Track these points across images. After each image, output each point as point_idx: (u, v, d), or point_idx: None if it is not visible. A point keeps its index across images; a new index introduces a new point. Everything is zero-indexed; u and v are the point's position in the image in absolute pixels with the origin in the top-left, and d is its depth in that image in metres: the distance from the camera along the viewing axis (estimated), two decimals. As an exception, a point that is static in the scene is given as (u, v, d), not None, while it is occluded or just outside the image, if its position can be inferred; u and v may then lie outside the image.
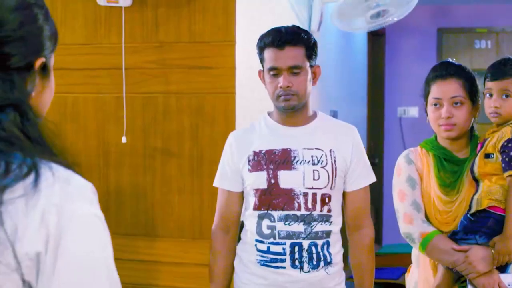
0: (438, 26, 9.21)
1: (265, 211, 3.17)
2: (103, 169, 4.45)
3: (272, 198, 3.16)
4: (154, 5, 4.33)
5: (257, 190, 3.20)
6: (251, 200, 3.23)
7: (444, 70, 3.24)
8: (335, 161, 3.19)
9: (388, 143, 9.18)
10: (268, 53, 3.17)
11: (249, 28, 4.34)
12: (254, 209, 3.21)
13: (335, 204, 3.21)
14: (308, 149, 3.19)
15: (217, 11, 4.21)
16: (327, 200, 3.17)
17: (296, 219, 3.14)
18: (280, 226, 3.14)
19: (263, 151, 3.21)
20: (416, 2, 5.15)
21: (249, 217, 3.25)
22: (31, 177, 1.31)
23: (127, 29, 4.35)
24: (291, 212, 3.14)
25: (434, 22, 9.20)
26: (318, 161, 3.17)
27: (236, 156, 3.27)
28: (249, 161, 3.22)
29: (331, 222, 3.19)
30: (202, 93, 4.24)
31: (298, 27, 3.24)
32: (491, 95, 3.14)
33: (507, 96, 3.10)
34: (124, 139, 4.32)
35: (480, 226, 3.05)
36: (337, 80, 6.86)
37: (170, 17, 4.30)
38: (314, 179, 3.15)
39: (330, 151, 3.20)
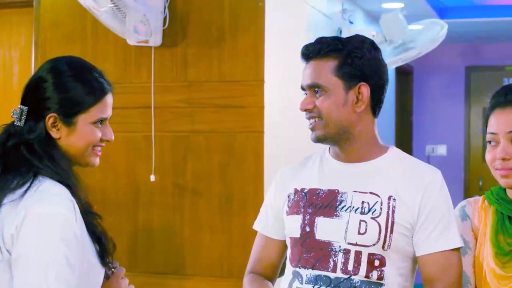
0: (466, 64, 9.21)
1: (295, 268, 2.44)
2: (132, 208, 4.46)
3: (303, 252, 2.42)
4: (183, 44, 4.36)
5: (291, 238, 2.49)
6: (288, 251, 2.54)
7: (503, 96, 2.41)
8: (393, 211, 2.36)
9: (416, 181, 9.13)
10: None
11: (277, 67, 4.37)
12: (290, 263, 2.50)
13: (394, 271, 2.38)
14: (360, 192, 2.40)
15: (246, 51, 4.24)
16: (377, 263, 2.35)
17: (328, 283, 2.35)
18: None
19: (305, 190, 2.48)
20: (441, 41, 5.16)
21: (286, 273, 2.52)
22: (24, 189, 2.06)
23: (156, 68, 4.39)
24: (322, 273, 2.37)
25: (462, 60, 9.21)
26: (369, 210, 2.37)
27: (278, 194, 2.59)
28: (288, 200, 2.52)
29: None
30: (231, 132, 4.26)
31: (349, 36, 2.50)
32: None
33: None
34: (152, 177, 4.34)
35: None
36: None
37: (200, 56, 4.33)
38: (359, 233, 2.35)
39: (390, 198, 2.37)
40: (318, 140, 2.44)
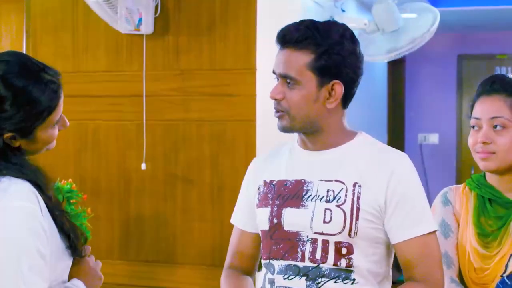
0: (458, 52, 9.20)
1: (267, 260, 2.42)
2: (123, 196, 4.46)
3: (273, 244, 2.40)
4: (175, 33, 4.36)
5: (261, 231, 2.46)
6: (261, 244, 2.51)
7: (489, 84, 2.53)
8: (358, 198, 2.31)
9: (408, 170, 9.14)
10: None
11: (269, 56, 4.35)
12: (262, 256, 2.48)
13: (364, 258, 2.33)
14: (325, 181, 2.35)
15: (238, 39, 4.24)
16: (344, 251, 2.31)
17: (297, 272, 2.34)
18: (279, 280, 2.36)
19: (274, 182, 2.44)
20: (432, 34, 5.16)
21: (262, 267, 2.49)
22: None
23: (148, 57, 4.38)
24: (292, 263, 2.35)
25: (454, 49, 9.20)
26: (334, 198, 2.32)
27: (251, 186, 2.54)
28: (259, 193, 2.49)
29: (354, 281, 2.32)
30: (222, 121, 4.26)
31: (328, 24, 2.37)
32: None
33: None
34: (143, 166, 4.34)
35: None
36: (357, 107, 6.85)
37: (191, 45, 4.33)
38: (324, 222, 2.31)
39: (355, 185, 2.32)
40: (284, 130, 2.39)
